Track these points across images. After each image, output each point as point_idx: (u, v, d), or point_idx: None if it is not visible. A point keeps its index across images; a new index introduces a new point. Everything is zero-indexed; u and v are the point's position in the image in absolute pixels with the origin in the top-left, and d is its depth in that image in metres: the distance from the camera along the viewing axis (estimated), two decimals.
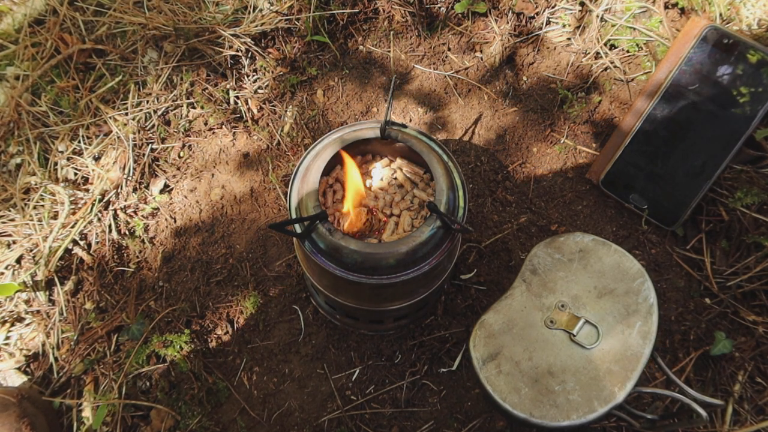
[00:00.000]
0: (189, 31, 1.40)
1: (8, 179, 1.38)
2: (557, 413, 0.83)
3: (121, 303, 1.28)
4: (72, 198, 1.35)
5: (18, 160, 1.39)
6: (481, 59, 1.45)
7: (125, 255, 1.34)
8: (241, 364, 1.23)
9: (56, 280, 1.30)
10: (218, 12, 1.44)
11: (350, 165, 1.00)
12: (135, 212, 1.37)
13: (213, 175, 1.39)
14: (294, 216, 0.96)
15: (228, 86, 1.42)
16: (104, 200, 1.36)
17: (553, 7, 1.43)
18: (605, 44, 1.38)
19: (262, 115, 1.42)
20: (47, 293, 1.31)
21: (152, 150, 1.40)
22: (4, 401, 1.12)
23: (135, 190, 1.37)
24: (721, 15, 1.26)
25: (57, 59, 1.42)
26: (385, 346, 1.22)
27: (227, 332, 1.25)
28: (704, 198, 1.22)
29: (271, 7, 1.43)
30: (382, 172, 1.09)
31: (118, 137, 1.39)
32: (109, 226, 1.34)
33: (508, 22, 1.42)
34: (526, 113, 1.41)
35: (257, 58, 1.42)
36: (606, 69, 1.38)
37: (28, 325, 1.30)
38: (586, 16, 1.40)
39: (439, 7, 1.43)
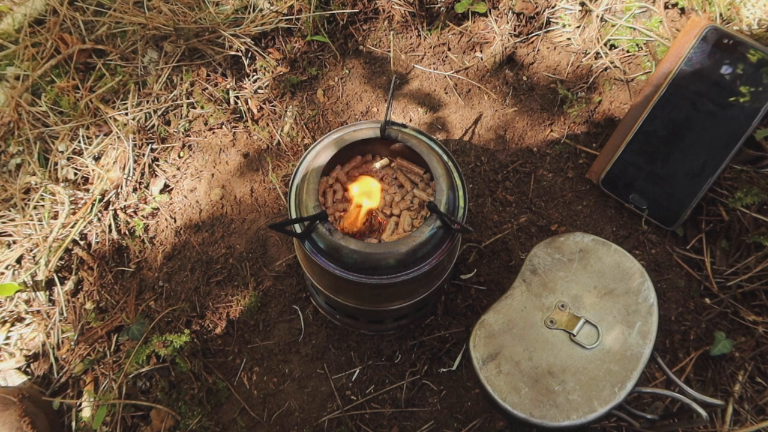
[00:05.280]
0: (189, 31, 1.40)
1: (8, 179, 1.38)
2: (557, 413, 0.83)
3: (121, 303, 1.28)
4: (72, 198, 1.36)
5: (18, 160, 1.39)
6: (481, 59, 1.45)
7: (125, 255, 1.34)
8: (241, 364, 1.23)
9: (56, 280, 1.31)
10: (218, 12, 1.44)
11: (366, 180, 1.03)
12: (135, 212, 1.37)
13: (213, 175, 1.39)
14: (294, 216, 0.96)
15: (228, 86, 1.42)
16: (104, 200, 1.36)
17: (553, 7, 1.43)
18: (605, 44, 1.38)
19: (262, 115, 1.42)
20: (47, 293, 1.31)
21: (152, 150, 1.40)
22: (6, 400, 1.12)
23: (135, 190, 1.37)
24: (721, 15, 1.26)
25: (57, 59, 1.42)
26: (385, 346, 1.22)
27: (227, 332, 1.25)
28: (704, 198, 1.22)
29: (271, 7, 1.43)
30: (381, 171, 1.09)
31: (118, 137, 1.39)
32: (109, 226, 1.34)
33: (508, 22, 1.42)
34: (526, 113, 1.41)
35: (257, 58, 1.42)
36: (606, 69, 1.38)
37: (28, 325, 1.30)
38: (586, 16, 1.40)
39: (439, 7, 1.43)
